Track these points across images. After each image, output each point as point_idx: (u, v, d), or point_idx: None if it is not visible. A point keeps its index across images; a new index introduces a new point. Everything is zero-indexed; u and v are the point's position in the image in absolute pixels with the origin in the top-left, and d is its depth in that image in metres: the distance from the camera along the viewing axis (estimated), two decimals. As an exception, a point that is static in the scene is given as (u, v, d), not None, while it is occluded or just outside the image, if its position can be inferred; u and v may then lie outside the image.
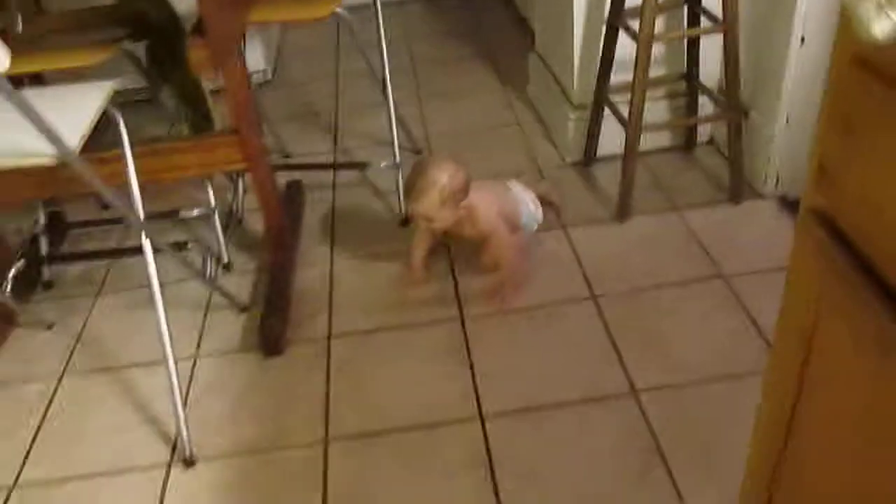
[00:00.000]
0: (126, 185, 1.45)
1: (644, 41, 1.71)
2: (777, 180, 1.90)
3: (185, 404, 1.52)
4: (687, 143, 2.15)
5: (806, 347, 0.84)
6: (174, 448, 1.49)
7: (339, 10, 1.76)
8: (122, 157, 1.43)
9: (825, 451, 0.84)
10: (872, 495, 0.73)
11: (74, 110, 1.33)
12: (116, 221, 2.17)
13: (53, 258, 1.96)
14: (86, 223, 2.14)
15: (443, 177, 1.61)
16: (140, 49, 1.84)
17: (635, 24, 1.80)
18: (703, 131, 2.16)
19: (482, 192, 1.71)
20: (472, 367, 1.58)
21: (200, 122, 1.89)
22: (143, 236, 1.44)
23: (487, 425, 1.45)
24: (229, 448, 1.47)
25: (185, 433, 1.45)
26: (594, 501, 1.28)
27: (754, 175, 1.94)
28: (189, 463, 1.44)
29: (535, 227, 1.84)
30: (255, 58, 2.78)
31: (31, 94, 1.47)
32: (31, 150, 1.23)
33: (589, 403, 1.46)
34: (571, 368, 1.54)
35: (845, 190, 0.69)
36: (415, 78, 2.76)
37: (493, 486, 1.33)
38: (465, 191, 1.65)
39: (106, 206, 2.25)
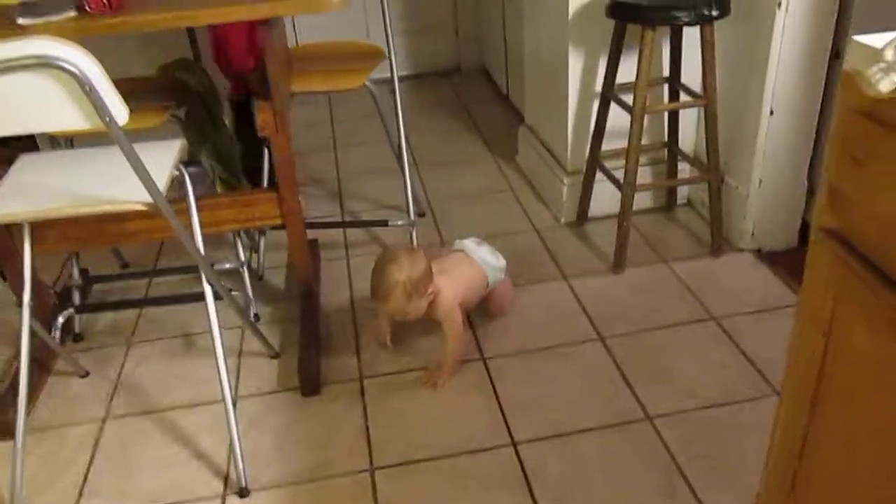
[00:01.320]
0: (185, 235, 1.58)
1: (638, 113, 1.95)
2: (752, 235, 2.14)
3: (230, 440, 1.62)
4: (667, 204, 2.40)
5: (822, 350, 1.02)
6: (226, 479, 1.59)
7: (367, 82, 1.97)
8: (188, 208, 1.57)
9: (841, 459, 1.02)
10: (889, 500, 0.91)
11: (153, 165, 1.47)
12: (138, 276, 2.28)
13: (84, 309, 2.04)
14: (109, 277, 2.24)
15: (402, 274, 1.66)
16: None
17: (625, 98, 2.06)
18: (682, 193, 2.41)
19: (446, 275, 1.77)
20: (498, 400, 1.73)
21: (232, 180, 2.04)
22: (205, 281, 1.57)
23: (520, 450, 1.59)
24: (279, 478, 1.57)
25: (240, 464, 1.55)
26: (626, 512, 1.44)
27: (731, 231, 2.18)
28: (244, 493, 1.54)
29: (502, 275, 1.93)
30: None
31: (113, 151, 1.61)
32: (125, 197, 1.37)
33: (609, 429, 1.63)
34: (589, 399, 1.70)
35: (855, 210, 0.90)
36: (409, 147, 2.97)
37: (532, 500, 1.47)
38: (428, 277, 1.71)
39: (126, 264, 2.36)
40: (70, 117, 1.20)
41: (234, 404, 1.78)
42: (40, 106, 1.18)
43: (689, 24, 1.87)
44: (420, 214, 2.47)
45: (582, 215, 2.35)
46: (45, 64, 1.12)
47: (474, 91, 3.57)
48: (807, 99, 1.97)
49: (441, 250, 2.02)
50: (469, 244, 1.92)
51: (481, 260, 1.88)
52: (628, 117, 2.02)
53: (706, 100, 1.98)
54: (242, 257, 2.05)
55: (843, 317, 0.96)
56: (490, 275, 1.89)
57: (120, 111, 1.21)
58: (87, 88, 1.15)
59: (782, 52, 1.90)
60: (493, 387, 1.77)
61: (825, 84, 1.95)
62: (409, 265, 1.69)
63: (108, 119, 1.20)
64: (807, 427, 1.09)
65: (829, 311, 0.98)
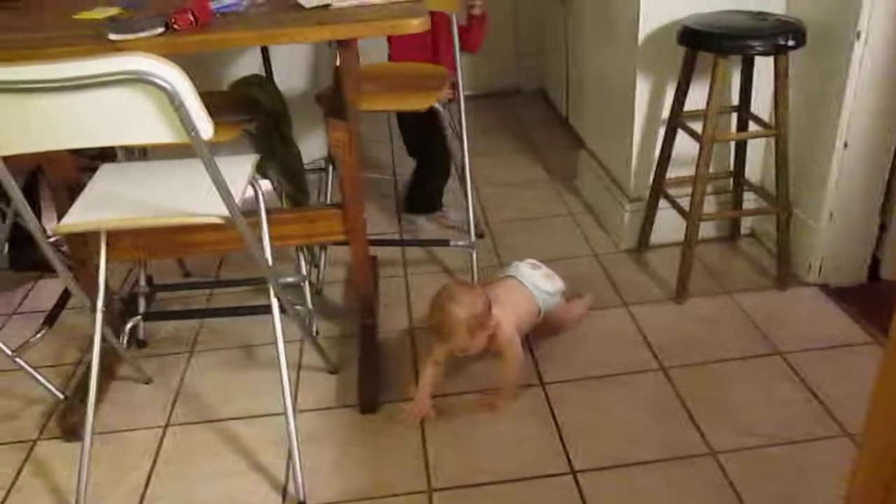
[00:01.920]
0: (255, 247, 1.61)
1: (707, 141, 1.93)
2: (820, 270, 2.09)
3: (290, 454, 1.63)
4: (731, 234, 2.36)
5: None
6: (285, 493, 1.59)
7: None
8: (260, 221, 1.60)
9: None
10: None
11: (229, 179, 1.50)
12: (200, 287, 2.33)
13: (151, 316, 2.09)
14: (173, 286, 2.29)
15: (464, 311, 1.66)
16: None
17: (693, 125, 2.04)
18: (745, 224, 2.37)
19: (501, 305, 1.76)
20: (557, 427, 1.71)
21: (298, 195, 2.07)
22: (272, 295, 1.59)
23: (579, 478, 1.57)
24: (337, 495, 1.58)
25: (299, 478, 1.56)
26: (689, 549, 1.40)
27: (798, 264, 2.13)
28: (302, 507, 1.55)
29: (559, 298, 1.92)
30: (317, 146, 2.96)
31: (190, 164, 1.65)
32: (204, 210, 1.40)
33: (671, 462, 1.60)
34: (650, 430, 1.68)
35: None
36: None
37: (593, 532, 1.45)
38: (488, 312, 1.71)
39: (188, 273, 2.40)
40: (157, 131, 1.23)
41: (294, 418, 1.79)
42: (130, 119, 1.21)
43: (764, 53, 1.85)
44: (479, 236, 2.47)
45: (643, 242, 2.33)
46: (139, 80, 1.15)
47: (533, 113, 3.57)
48: (882, 133, 1.92)
49: (493, 276, 2.02)
50: (524, 268, 1.91)
51: (532, 286, 1.87)
52: (694, 145, 2.00)
53: (777, 130, 1.95)
54: (304, 272, 2.07)
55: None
56: (541, 301, 1.87)
57: (205, 126, 1.24)
58: (177, 104, 1.18)
59: (859, 85, 1.86)
60: (553, 413, 1.75)
61: (903, 118, 1.91)
62: (469, 302, 1.68)
63: (193, 133, 1.23)
64: (890, 477, 1.06)
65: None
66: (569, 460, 1.62)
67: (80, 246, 1.85)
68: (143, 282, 2.08)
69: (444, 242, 2.30)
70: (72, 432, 1.75)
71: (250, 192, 1.59)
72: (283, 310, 1.64)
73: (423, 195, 2.59)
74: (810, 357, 1.86)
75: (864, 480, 1.12)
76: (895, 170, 1.99)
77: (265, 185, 1.76)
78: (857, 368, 1.80)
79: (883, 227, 2.06)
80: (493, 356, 1.82)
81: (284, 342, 1.60)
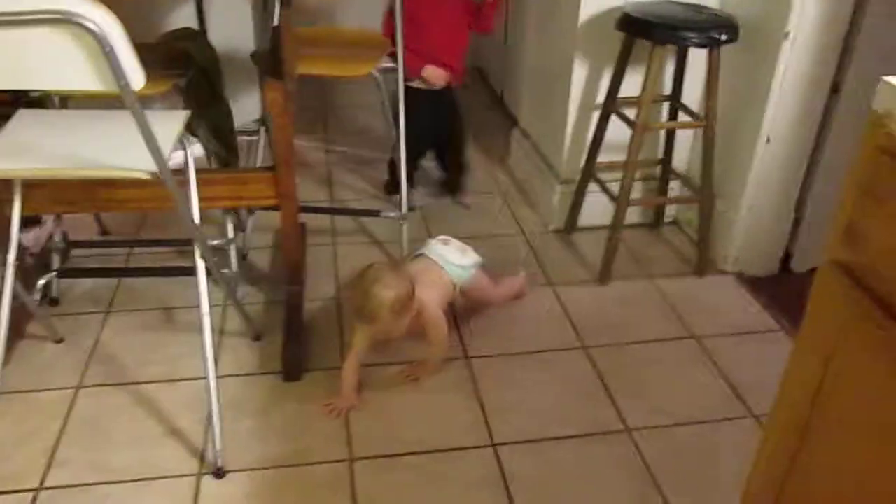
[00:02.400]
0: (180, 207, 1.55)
1: (639, 129, 1.97)
2: (736, 259, 2.17)
3: (209, 420, 1.59)
4: (655, 220, 2.42)
5: (821, 377, 1.04)
6: (202, 459, 1.56)
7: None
8: (188, 179, 1.55)
9: (829, 488, 1.04)
10: (880, 494, 0.93)
11: (157, 134, 1.44)
12: (118, 245, 2.24)
13: (65, 273, 2.00)
14: (90, 243, 2.19)
15: (389, 293, 1.64)
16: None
17: (626, 112, 2.08)
18: (668, 212, 2.44)
19: (422, 285, 1.74)
20: (480, 401, 1.73)
21: (227, 156, 2.01)
22: (198, 255, 1.54)
23: (499, 451, 1.60)
24: (256, 461, 1.56)
25: (218, 444, 1.53)
26: (602, 521, 1.45)
27: (715, 253, 2.21)
28: (219, 474, 1.52)
29: (474, 270, 1.90)
30: (249, 109, 2.89)
31: (115, 116, 1.58)
32: (130, 164, 1.34)
33: (588, 437, 1.64)
34: (570, 407, 1.72)
35: (871, 246, 0.92)
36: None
37: (509, 501, 1.48)
38: (412, 295, 1.69)
39: (105, 232, 2.31)
40: (86, 77, 1.16)
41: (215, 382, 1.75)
42: (59, 62, 1.15)
43: (699, 45, 1.90)
44: (410, 209, 2.46)
45: (571, 224, 2.37)
46: (68, 20, 1.09)
47: (468, 91, 3.56)
48: (803, 130, 2.01)
49: (406, 257, 2.01)
50: (434, 245, 1.90)
51: (444, 261, 1.86)
52: (626, 131, 2.04)
53: (706, 122, 2.01)
54: (231, 234, 2.02)
55: (846, 347, 0.98)
56: (455, 276, 1.86)
57: (136, 76, 1.18)
58: (107, 49, 1.12)
59: (784, 82, 1.94)
60: (475, 387, 1.77)
61: (822, 117, 2.00)
62: (395, 284, 1.66)
63: (123, 83, 1.17)
64: (795, 452, 1.12)
65: (832, 340, 1.00)
66: (489, 433, 1.64)
67: (-9, 196, 1.75)
68: (57, 237, 1.98)
69: (374, 213, 2.28)
70: (-26, 391, 1.66)
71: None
72: (208, 272, 1.60)
73: (458, 177, 2.59)
74: (723, 342, 1.94)
75: (769, 457, 1.17)
76: (811, 167, 2.08)
77: (196, 149, 1.70)
78: (765, 354, 1.89)
79: (797, 222, 2.15)
80: (417, 337, 1.81)
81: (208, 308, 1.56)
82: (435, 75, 2.31)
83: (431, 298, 1.77)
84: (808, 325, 1.07)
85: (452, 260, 1.88)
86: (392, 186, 2.54)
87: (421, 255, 1.90)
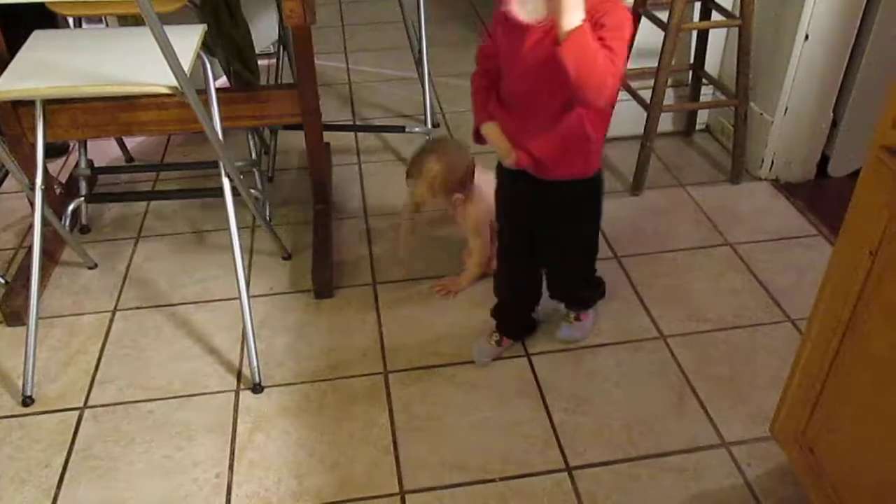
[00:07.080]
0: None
1: (673, 30, 1.89)
2: (772, 165, 2.11)
3: (244, 338, 1.61)
4: (686, 128, 2.36)
5: (868, 269, 1.01)
6: (239, 375, 1.59)
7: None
8: (209, 97, 1.52)
9: (869, 385, 1.02)
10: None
11: (176, 49, 1.41)
12: (144, 170, 2.23)
13: (94, 199, 2.00)
14: (116, 169, 2.19)
15: (437, 167, 1.61)
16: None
17: (658, 14, 1.99)
18: (700, 118, 2.37)
19: (483, 192, 1.66)
20: (513, 313, 1.72)
21: (247, 75, 1.97)
22: (224, 176, 1.53)
23: (533, 360, 1.60)
24: (293, 377, 1.58)
25: (254, 360, 1.55)
26: (638, 425, 1.45)
27: (750, 159, 2.15)
28: (257, 389, 1.54)
29: None
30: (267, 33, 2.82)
31: (132, 33, 1.54)
32: (150, 80, 1.31)
33: (623, 345, 1.63)
34: (602, 315, 1.70)
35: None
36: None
37: (546, 408, 1.49)
38: (460, 183, 1.65)
39: (131, 159, 2.30)
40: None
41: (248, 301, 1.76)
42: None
43: (734, -63, 1.80)
44: (435, 125, 2.42)
45: (600, 135, 2.30)
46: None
47: (489, 2, 3.45)
48: (842, 28, 1.91)
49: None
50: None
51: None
52: (657, 34, 1.96)
53: (743, 20, 1.92)
54: (255, 155, 2.00)
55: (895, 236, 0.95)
56: None
57: (150, -15, 1.15)
58: (119, -44, 1.08)
59: (825, -25, 1.84)
60: (508, 299, 1.76)
61: (863, 15, 1.90)
62: (448, 163, 1.62)
63: (137, -8, 1.13)
64: (835, 351, 1.10)
65: (880, 230, 0.97)
66: (524, 344, 1.64)
67: (13, 122, 1.74)
68: (83, 163, 1.98)
69: (399, 129, 2.24)
70: (15, 317, 1.69)
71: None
72: (235, 191, 1.59)
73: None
74: (759, 248, 1.90)
75: (809, 355, 1.16)
76: (850, 66, 1.99)
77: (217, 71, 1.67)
78: (802, 259, 1.85)
79: (834, 124, 2.08)
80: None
81: (236, 228, 1.56)
82: (502, 148, 1.40)
83: (480, 209, 1.73)
84: (853, 218, 1.04)
85: None
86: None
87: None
